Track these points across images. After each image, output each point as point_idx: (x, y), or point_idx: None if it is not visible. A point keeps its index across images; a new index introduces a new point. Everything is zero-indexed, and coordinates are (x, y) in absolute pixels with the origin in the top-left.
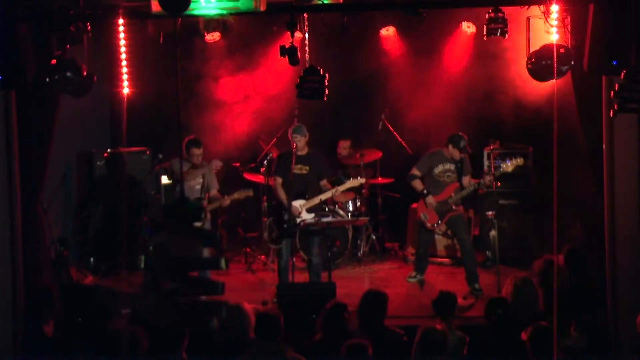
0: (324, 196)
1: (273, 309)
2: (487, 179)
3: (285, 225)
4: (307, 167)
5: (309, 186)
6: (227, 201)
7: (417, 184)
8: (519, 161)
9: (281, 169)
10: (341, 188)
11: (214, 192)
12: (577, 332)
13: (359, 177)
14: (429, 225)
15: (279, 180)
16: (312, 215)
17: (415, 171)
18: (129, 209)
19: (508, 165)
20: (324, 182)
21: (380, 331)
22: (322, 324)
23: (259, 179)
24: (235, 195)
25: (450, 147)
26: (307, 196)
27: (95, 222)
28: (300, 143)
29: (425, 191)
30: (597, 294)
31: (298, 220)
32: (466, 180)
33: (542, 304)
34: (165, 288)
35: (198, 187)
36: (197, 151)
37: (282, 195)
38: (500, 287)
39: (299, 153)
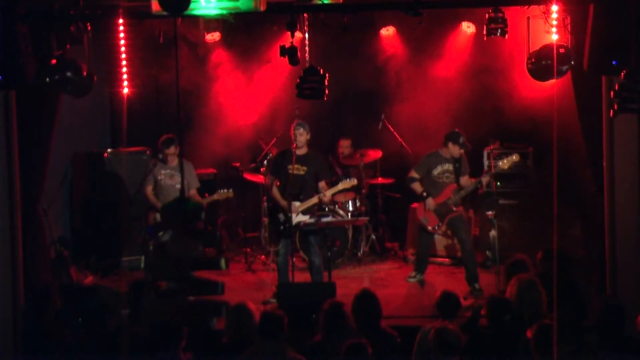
0: (317, 199)
1: (277, 308)
2: (486, 179)
3: (281, 227)
4: (305, 168)
5: (304, 187)
6: (203, 203)
7: (417, 187)
8: (515, 158)
9: (277, 167)
10: (330, 192)
11: (192, 191)
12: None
13: (348, 179)
14: (429, 228)
15: (272, 179)
16: (308, 216)
17: (414, 174)
18: (129, 209)
19: (504, 163)
20: (322, 184)
21: (374, 332)
22: (322, 324)
23: (259, 179)
24: (215, 197)
25: (450, 145)
26: (300, 197)
27: (95, 222)
28: (302, 138)
29: (425, 194)
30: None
31: (296, 221)
32: (464, 180)
33: (546, 306)
34: (165, 288)
35: (177, 186)
36: (168, 151)
37: (276, 195)
38: (500, 287)
39: (298, 152)
